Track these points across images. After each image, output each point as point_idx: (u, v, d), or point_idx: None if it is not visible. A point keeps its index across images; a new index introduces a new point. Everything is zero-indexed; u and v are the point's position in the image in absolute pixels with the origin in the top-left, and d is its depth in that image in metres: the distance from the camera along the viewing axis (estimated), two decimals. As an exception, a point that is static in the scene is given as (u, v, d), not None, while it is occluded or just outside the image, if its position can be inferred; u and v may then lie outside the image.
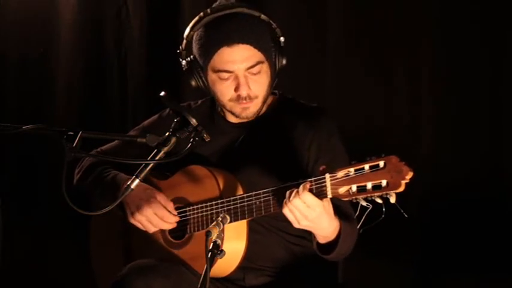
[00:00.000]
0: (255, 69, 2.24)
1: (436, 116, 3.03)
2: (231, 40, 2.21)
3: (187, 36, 2.32)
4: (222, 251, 1.87)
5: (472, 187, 2.96)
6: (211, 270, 1.85)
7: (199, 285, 1.84)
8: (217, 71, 2.25)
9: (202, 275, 1.84)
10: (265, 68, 2.27)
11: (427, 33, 3.03)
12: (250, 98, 2.26)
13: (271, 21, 2.30)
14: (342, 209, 2.14)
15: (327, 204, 2.00)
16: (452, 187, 3.00)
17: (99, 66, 3.81)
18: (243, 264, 2.25)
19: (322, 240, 2.13)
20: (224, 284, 2.29)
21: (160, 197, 2.29)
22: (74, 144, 1.92)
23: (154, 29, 3.66)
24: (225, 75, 2.25)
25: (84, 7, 3.80)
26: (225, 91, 2.27)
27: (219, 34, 2.22)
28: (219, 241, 1.88)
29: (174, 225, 2.29)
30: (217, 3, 2.31)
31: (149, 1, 3.67)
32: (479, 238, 2.94)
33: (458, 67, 2.98)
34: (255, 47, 2.22)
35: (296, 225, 2.01)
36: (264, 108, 2.35)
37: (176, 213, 2.29)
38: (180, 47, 2.34)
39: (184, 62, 2.34)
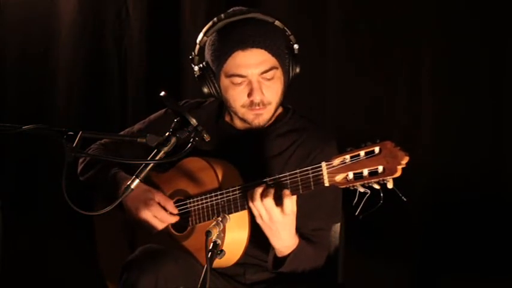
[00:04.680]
0: (268, 75, 2.22)
1: (436, 116, 3.03)
2: (244, 44, 2.18)
3: (200, 41, 2.29)
4: (222, 251, 1.86)
5: (472, 187, 2.96)
6: (216, 261, 1.85)
7: (199, 284, 1.84)
8: (230, 75, 2.23)
9: (202, 276, 1.84)
10: (278, 74, 2.25)
11: (427, 33, 3.03)
12: (263, 104, 2.24)
13: (285, 28, 2.27)
14: (316, 238, 2.22)
15: (291, 218, 2.06)
16: (452, 187, 3.00)
17: (99, 66, 3.81)
18: (244, 260, 2.26)
19: (279, 253, 2.16)
20: (225, 279, 2.31)
21: (159, 198, 2.29)
22: (74, 144, 1.92)
23: (154, 29, 3.65)
24: (238, 79, 2.22)
25: (84, 7, 3.79)
26: (237, 97, 2.25)
27: (233, 38, 2.19)
28: (219, 241, 1.87)
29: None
30: (231, 9, 2.29)
31: (149, 1, 3.67)
32: (479, 238, 2.94)
33: (458, 67, 2.98)
34: (269, 52, 2.20)
35: (259, 220, 2.06)
36: (273, 119, 2.33)
37: (177, 211, 2.29)
38: (193, 53, 2.31)
39: (196, 68, 2.31)
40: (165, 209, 2.30)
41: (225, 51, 2.21)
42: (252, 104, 2.24)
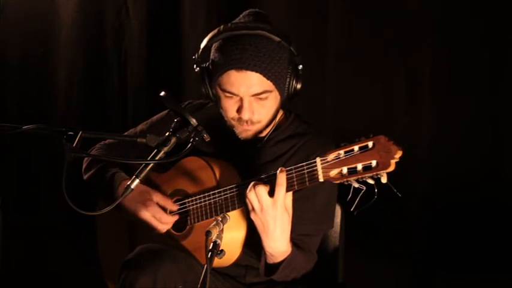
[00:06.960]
0: (261, 96, 2.20)
1: (435, 117, 3.03)
2: (240, 65, 2.16)
3: (204, 46, 2.27)
4: (222, 251, 1.87)
5: (472, 187, 2.96)
6: (216, 260, 1.85)
7: (199, 284, 1.84)
8: (223, 89, 2.22)
9: (202, 276, 1.84)
10: (273, 95, 2.23)
11: (427, 34, 3.03)
12: (252, 122, 2.24)
13: (291, 48, 2.22)
14: (304, 245, 2.21)
15: (284, 214, 2.03)
16: (452, 187, 3.00)
17: (99, 66, 3.81)
18: (246, 262, 2.27)
19: (271, 259, 2.15)
20: (225, 278, 2.31)
21: (158, 198, 2.29)
22: (74, 144, 1.92)
23: (154, 29, 3.66)
24: (230, 94, 2.22)
25: (84, 7, 3.80)
26: (228, 109, 2.25)
27: (231, 56, 2.16)
28: (218, 241, 1.88)
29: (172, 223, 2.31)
30: (240, 18, 2.27)
31: (149, 1, 3.67)
32: (479, 238, 2.94)
33: (458, 67, 2.98)
34: (265, 76, 2.17)
35: (252, 215, 2.05)
36: (274, 122, 2.31)
37: (177, 208, 2.29)
38: (196, 54, 2.30)
39: (197, 69, 2.30)
40: (164, 209, 2.30)
41: (221, 67, 2.19)
42: (240, 120, 2.24)
